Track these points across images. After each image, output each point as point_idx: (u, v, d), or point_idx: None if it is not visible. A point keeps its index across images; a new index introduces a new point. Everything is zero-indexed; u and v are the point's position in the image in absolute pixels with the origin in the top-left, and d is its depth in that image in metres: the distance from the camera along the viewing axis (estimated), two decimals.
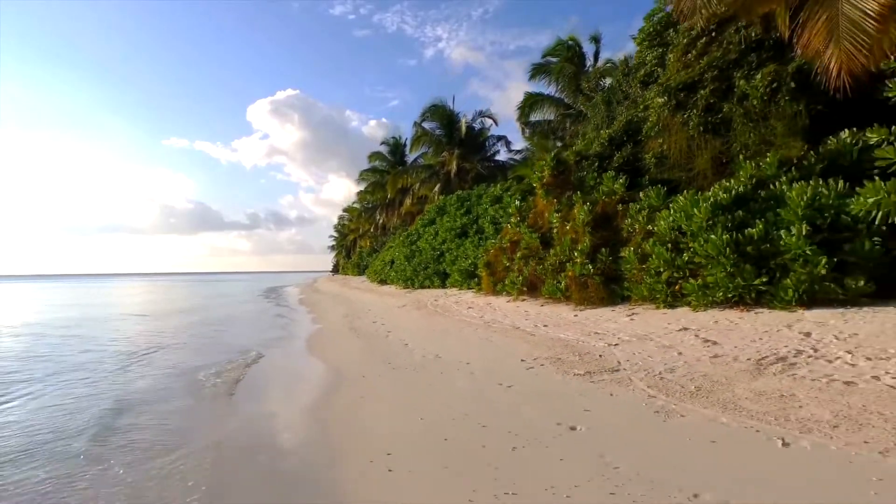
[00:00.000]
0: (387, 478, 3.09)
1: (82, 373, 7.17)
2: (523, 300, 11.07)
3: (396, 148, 36.81)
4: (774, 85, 8.35)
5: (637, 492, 2.63)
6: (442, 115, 25.42)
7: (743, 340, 5.49)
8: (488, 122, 28.19)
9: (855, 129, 7.15)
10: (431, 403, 4.64)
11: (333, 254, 79.20)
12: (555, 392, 4.60)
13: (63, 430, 4.52)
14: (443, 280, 18.12)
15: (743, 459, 2.92)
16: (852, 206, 5.61)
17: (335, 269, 76.48)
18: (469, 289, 15.29)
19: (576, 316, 8.49)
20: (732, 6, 6.61)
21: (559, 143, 18.46)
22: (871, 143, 5.80)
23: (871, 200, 5.22)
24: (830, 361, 4.40)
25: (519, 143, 32.40)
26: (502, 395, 4.67)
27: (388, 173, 36.28)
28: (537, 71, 20.36)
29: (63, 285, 67.85)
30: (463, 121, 24.76)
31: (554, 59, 20.41)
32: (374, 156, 37.24)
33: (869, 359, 4.31)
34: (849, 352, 4.57)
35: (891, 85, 5.47)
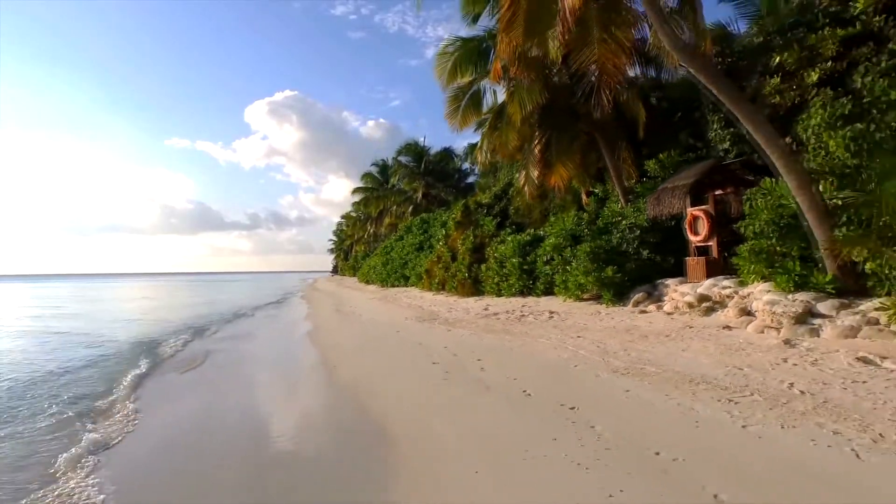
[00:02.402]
0: (334, 349, 9.99)
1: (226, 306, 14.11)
2: (439, 293, 17.94)
3: (384, 169, 43.74)
4: None
5: (413, 346, 9.46)
6: (414, 151, 32.49)
7: (503, 307, 12.30)
8: (459, 149, 35.32)
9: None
10: (358, 332, 11.52)
11: (333, 255, 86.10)
12: (405, 326, 11.45)
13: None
14: (405, 281, 25.01)
15: (446, 336, 9.75)
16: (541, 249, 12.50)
17: (335, 270, 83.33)
18: (418, 287, 22.16)
19: (454, 301, 15.37)
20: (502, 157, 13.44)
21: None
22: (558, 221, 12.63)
23: (549, 249, 12.10)
24: (510, 313, 11.23)
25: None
26: (385, 329, 11.52)
27: (377, 190, 43.36)
28: (480, 125, 27.23)
29: (77, 285, 74.94)
30: (423, 160, 31.91)
31: None
32: (366, 176, 44.21)
33: (530, 314, 11.14)
34: (523, 305, 11.40)
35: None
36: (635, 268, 10.34)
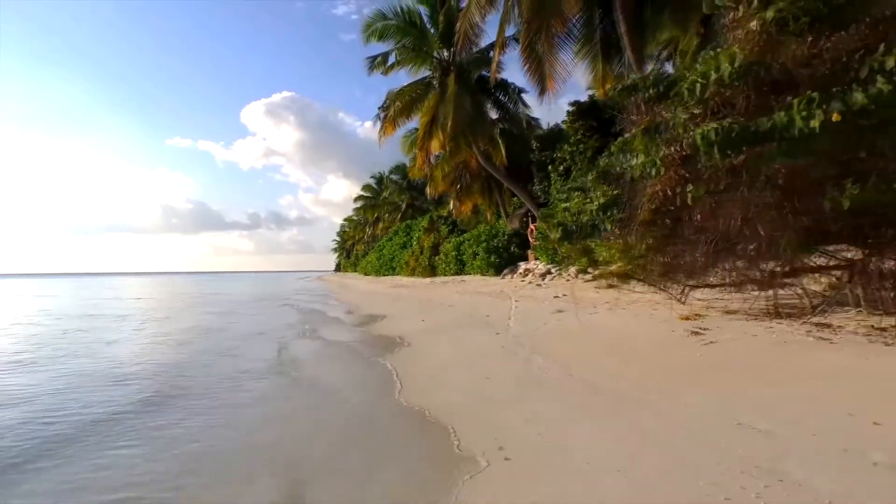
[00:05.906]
0: (346, 296, 18.52)
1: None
2: (411, 277, 26.42)
3: (381, 181, 52.29)
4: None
5: (382, 295, 17.96)
6: (402, 171, 40.95)
7: (441, 280, 20.74)
8: None
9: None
10: (357, 297, 20.02)
11: (336, 255, 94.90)
12: (381, 290, 19.92)
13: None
14: (393, 271, 33.49)
15: (402, 291, 18.21)
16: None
17: (337, 268, 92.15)
18: (400, 275, 30.63)
19: (417, 280, 23.85)
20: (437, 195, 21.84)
21: None
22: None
23: (467, 247, 20.59)
24: (443, 283, 19.69)
25: None
26: (371, 292, 20.00)
27: (374, 199, 51.92)
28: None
29: (107, 283, 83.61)
30: (408, 177, 40.56)
31: None
32: (366, 187, 52.86)
33: (452, 282, 19.60)
34: (452, 279, 19.85)
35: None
36: (508, 256, 18.76)
